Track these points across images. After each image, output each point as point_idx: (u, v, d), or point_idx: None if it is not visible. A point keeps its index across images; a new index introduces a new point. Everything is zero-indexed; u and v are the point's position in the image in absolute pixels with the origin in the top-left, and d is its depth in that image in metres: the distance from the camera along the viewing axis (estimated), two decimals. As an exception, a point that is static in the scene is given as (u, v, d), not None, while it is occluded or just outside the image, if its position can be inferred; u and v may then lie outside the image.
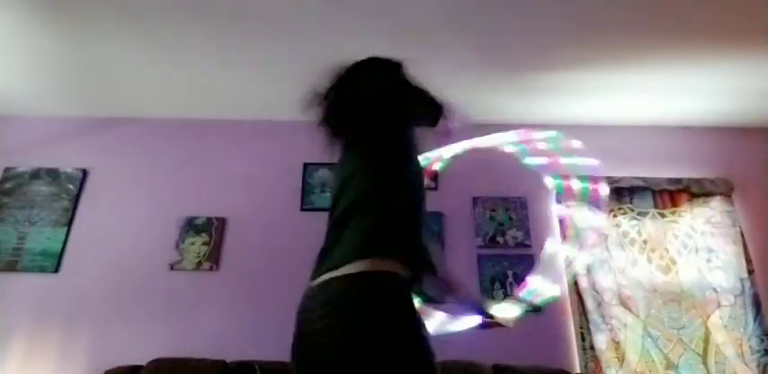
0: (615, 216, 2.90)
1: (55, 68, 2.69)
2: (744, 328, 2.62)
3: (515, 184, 2.96)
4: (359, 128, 1.09)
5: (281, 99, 2.97)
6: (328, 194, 2.91)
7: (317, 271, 0.95)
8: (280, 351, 2.66)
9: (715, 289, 2.71)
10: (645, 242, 2.84)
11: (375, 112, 1.09)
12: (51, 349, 2.53)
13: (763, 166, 3.09)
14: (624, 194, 2.95)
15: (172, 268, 2.74)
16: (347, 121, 1.11)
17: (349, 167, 1.05)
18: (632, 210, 2.92)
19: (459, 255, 2.79)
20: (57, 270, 2.72)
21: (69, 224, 2.83)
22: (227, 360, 2.36)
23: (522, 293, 1.24)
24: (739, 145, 3.15)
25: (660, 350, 2.57)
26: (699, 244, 2.83)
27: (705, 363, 2.55)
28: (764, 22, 2.25)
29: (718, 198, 2.94)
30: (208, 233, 2.81)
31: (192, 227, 2.83)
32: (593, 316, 2.61)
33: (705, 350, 2.58)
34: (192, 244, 2.79)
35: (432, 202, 3.18)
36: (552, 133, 1.40)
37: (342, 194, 1.01)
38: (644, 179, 2.96)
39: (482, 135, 1.34)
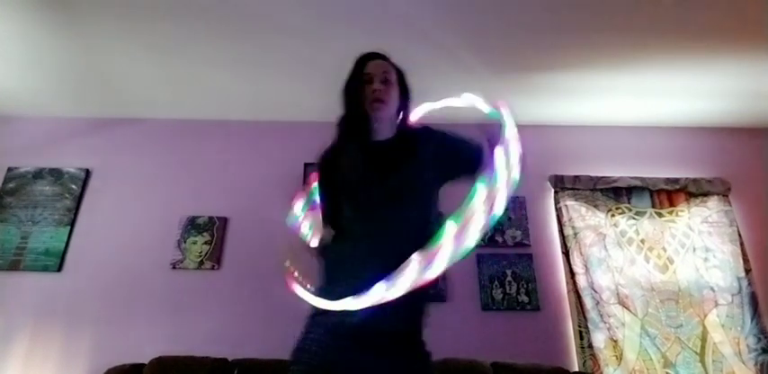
0: (613, 215, 2.91)
1: (57, 69, 2.70)
2: (741, 327, 2.63)
3: None
4: None
5: (282, 99, 3.01)
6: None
7: None
8: (281, 349, 2.67)
9: (712, 288, 2.72)
10: (642, 241, 2.84)
11: None
12: (54, 347, 2.54)
13: (760, 166, 3.10)
14: (622, 194, 2.96)
15: (174, 267, 2.75)
16: None
17: None
18: (630, 210, 2.93)
19: (458, 254, 2.80)
20: (59, 269, 2.73)
21: (72, 223, 2.85)
22: (229, 358, 2.37)
23: None
24: (737, 145, 3.16)
25: (658, 348, 2.57)
26: (696, 244, 2.84)
27: (702, 362, 2.56)
28: (761, 24, 2.26)
29: (716, 197, 2.95)
30: (209, 232, 2.83)
31: (193, 226, 2.84)
32: (592, 314, 2.62)
33: (702, 348, 2.59)
34: (194, 243, 2.80)
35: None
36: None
37: None
38: (642, 179, 2.97)
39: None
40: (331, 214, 1.19)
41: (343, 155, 1.19)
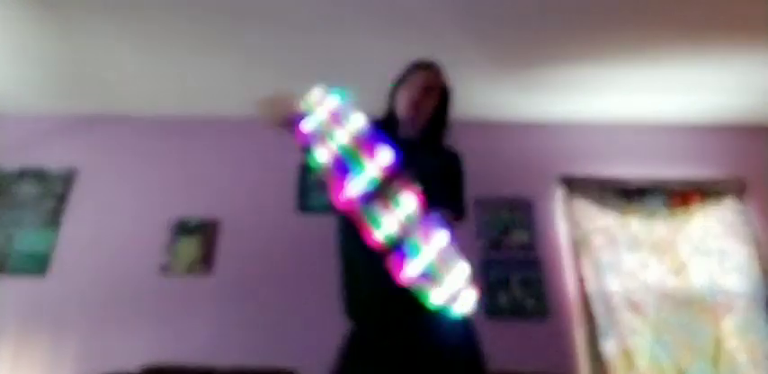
0: (624, 217, 2.86)
1: (42, 66, 2.66)
2: (757, 333, 2.58)
3: (521, 185, 2.94)
4: None
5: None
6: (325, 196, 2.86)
7: None
8: (272, 356, 2.61)
9: (727, 293, 2.68)
10: (655, 244, 2.79)
11: None
12: (39, 355, 2.49)
13: (777, 165, 3.06)
14: (633, 194, 2.91)
15: (163, 271, 2.69)
16: None
17: None
18: (642, 211, 2.88)
19: (461, 258, 2.74)
20: (45, 273, 2.67)
21: (57, 225, 2.79)
22: (220, 367, 2.31)
23: None
24: (752, 144, 3.11)
25: (670, 356, 2.52)
26: (711, 246, 2.79)
27: (717, 369, 2.50)
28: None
29: (731, 198, 2.91)
30: (200, 235, 2.76)
31: (184, 228, 2.78)
32: (602, 321, 2.58)
33: (717, 355, 2.54)
34: (184, 246, 2.74)
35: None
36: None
37: None
38: (654, 179, 2.93)
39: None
40: None
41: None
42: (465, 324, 1.10)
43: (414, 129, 1.28)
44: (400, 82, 1.30)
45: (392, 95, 1.31)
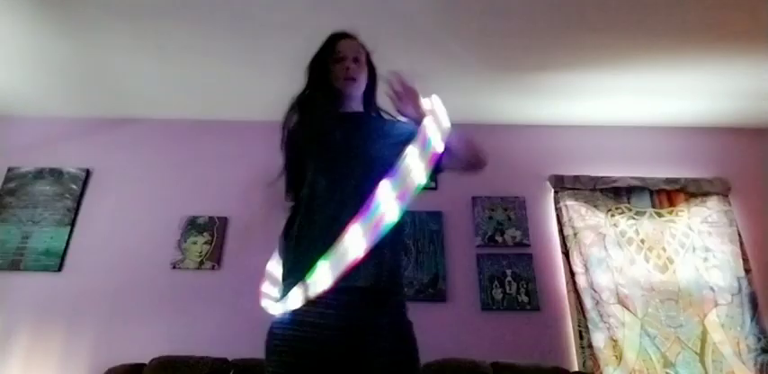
0: (613, 215, 2.91)
1: (58, 69, 2.69)
2: (741, 327, 2.62)
3: (514, 184, 2.98)
4: None
5: (284, 99, 2.99)
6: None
7: None
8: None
9: (712, 288, 2.71)
10: (642, 241, 2.83)
11: None
12: (54, 347, 2.54)
13: (760, 166, 3.10)
14: (622, 194, 2.96)
15: (174, 267, 2.74)
16: None
17: None
18: (630, 210, 2.93)
19: (458, 254, 2.81)
20: (60, 269, 2.73)
21: (72, 223, 2.84)
22: (230, 359, 2.36)
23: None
24: (736, 145, 3.16)
25: (658, 348, 2.56)
26: (696, 244, 2.83)
27: (702, 362, 2.55)
28: (762, 24, 2.25)
29: (716, 197, 2.94)
30: (210, 232, 2.82)
31: (193, 226, 2.83)
32: (592, 314, 2.61)
33: (702, 348, 2.58)
34: (194, 243, 2.79)
35: (431, 202, 3.12)
36: None
37: None
38: (641, 179, 2.96)
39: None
40: (296, 183, 1.20)
41: (314, 124, 1.19)
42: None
43: (355, 100, 1.26)
44: (328, 56, 1.24)
45: (322, 70, 1.24)
